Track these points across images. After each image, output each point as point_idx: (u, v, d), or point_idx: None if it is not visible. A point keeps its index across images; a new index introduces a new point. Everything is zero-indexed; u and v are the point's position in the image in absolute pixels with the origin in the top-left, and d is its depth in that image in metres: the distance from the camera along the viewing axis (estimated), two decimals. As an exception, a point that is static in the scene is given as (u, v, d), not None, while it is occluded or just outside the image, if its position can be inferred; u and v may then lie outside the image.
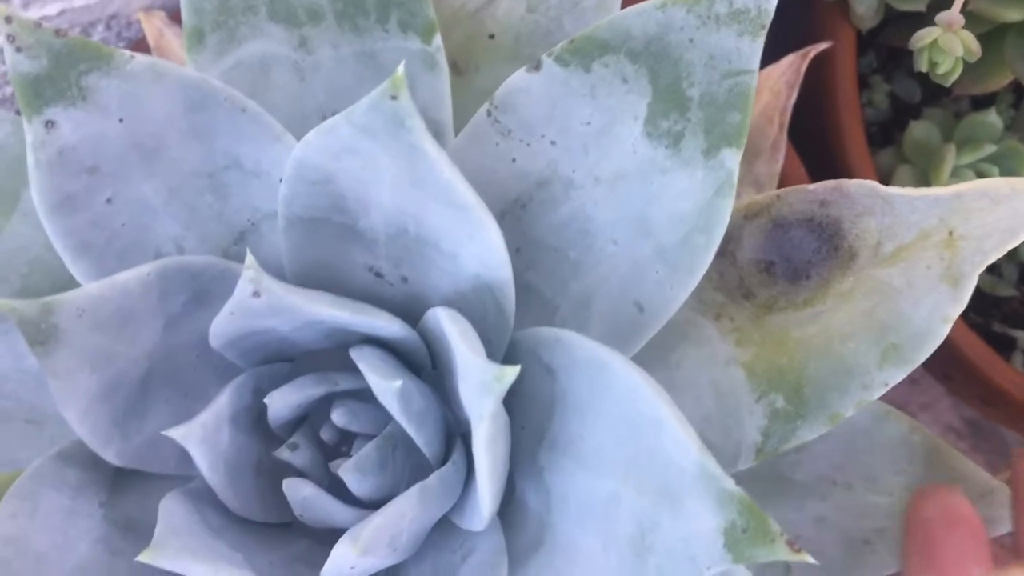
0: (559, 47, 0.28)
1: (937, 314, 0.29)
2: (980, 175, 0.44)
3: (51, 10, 0.42)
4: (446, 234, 0.28)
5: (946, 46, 0.32)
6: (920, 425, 0.38)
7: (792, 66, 0.44)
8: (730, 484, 0.23)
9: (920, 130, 0.46)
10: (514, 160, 0.30)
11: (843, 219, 0.30)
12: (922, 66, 0.33)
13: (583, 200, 0.30)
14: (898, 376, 0.30)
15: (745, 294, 0.32)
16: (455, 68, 0.37)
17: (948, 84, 0.33)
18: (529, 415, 0.31)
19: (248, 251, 0.25)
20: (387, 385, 0.27)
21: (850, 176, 0.45)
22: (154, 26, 0.44)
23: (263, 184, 0.30)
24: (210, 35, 0.32)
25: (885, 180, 0.46)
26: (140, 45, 0.45)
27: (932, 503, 0.31)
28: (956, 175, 0.44)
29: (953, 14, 0.32)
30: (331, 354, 0.32)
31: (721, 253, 0.32)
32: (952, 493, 0.31)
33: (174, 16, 0.45)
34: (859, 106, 0.44)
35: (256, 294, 0.25)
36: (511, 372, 0.23)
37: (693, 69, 0.26)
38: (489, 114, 0.30)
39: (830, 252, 0.31)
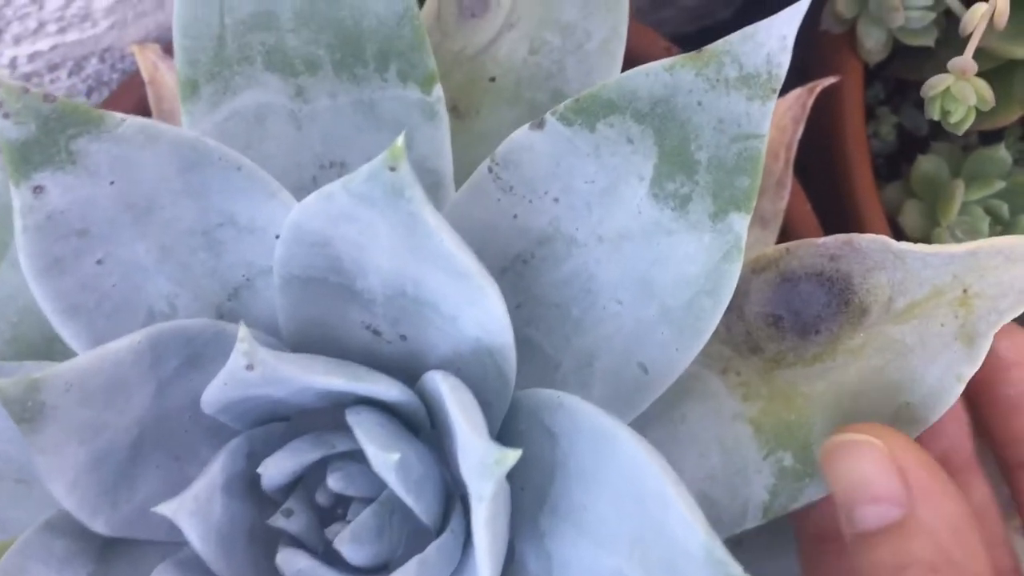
0: (563, 106, 0.27)
1: (951, 373, 0.28)
2: (989, 212, 0.44)
3: (43, 45, 0.42)
4: (445, 297, 0.28)
5: (959, 95, 0.31)
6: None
7: (798, 100, 0.43)
8: (738, 571, 0.22)
9: (928, 164, 0.45)
10: (515, 216, 0.30)
11: (853, 274, 0.29)
12: (934, 114, 0.32)
13: (586, 258, 0.29)
14: (911, 435, 0.29)
15: (752, 348, 0.31)
16: (455, 111, 0.36)
17: (960, 133, 0.32)
18: (530, 477, 0.30)
19: (242, 323, 0.24)
20: (385, 457, 0.26)
21: (857, 212, 0.44)
22: (148, 59, 0.43)
23: (258, 240, 0.30)
24: (205, 86, 0.31)
25: (892, 215, 0.45)
26: (134, 78, 0.44)
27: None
28: (965, 211, 0.43)
29: (966, 60, 0.32)
30: (328, 413, 0.31)
31: (728, 307, 0.31)
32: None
33: (168, 49, 0.44)
34: (866, 141, 0.43)
35: (250, 367, 0.25)
36: (512, 456, 0.22)
37: (701, 132, 0.25)
38: (490, 170, 0.29)
39: (840, 307, 0.30)
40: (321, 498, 0.30)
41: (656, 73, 0.25)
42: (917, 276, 0.28)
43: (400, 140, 0.23)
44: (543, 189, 0.29)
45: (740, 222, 0.26)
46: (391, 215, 0.24)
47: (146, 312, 0.30)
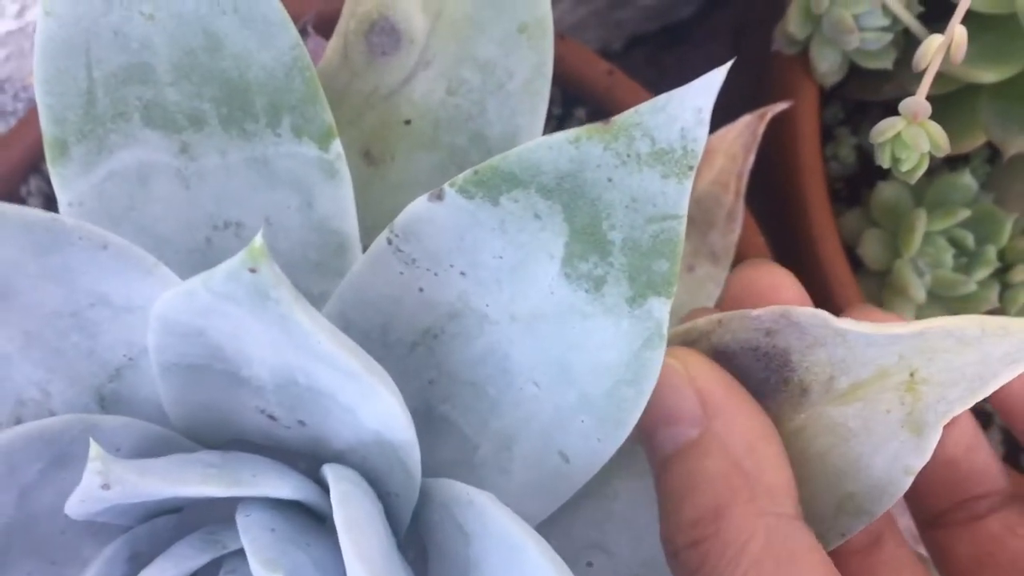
0: (461, 177, 0.24)
1: (898, 465, 0.25)
2: (954, 242, 0.41)
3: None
4: (340, 390, 0.25)
5: (911, 141, 0.28)
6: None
7: (749, 127, 0.40)
8: None
9: (888, 191, 0.42)
10: (421, 290, 0.27)
11: (792, 350, 0.26)
12: (884, 162, 0.29)
13: (499, 337, 0.26)
14: (856, 527, 0.27)
15: None
16: (368, 157, 0.33)
17: (913, 181, 0.29)
18: (446, 572, 0.27)
19: (92, 441, 0.21)
20: (266, 575, 0.23)
21: (813, 245, 0.41)
22: (50, 92, 0.40)
23: (137, 319, 0.27)
24: (75, 146, 0.28)
25: (851, 245, 0.43)
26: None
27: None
28: (928, 242, 0.41)
29: (918, 103, 0.29)
30: (223, 502, 0.28)
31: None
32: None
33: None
34: (822, 170, 0.41)
35: (106, 486, 0.22)
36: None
37: (613, 211, 0.23)
38: (390, 242, 0.26)
39: (779, 385, 0.27)
40: (214, 605, 0.27)
41: (561, 146, 0.22)
42: (861, 355, 0.25)
43: (258, 239, 0.20)
44: (448, 262, 0.26)
45: (660, 308, 0.23)
46: (261, 315, 0.22)
47: (15, 401, 0.27)
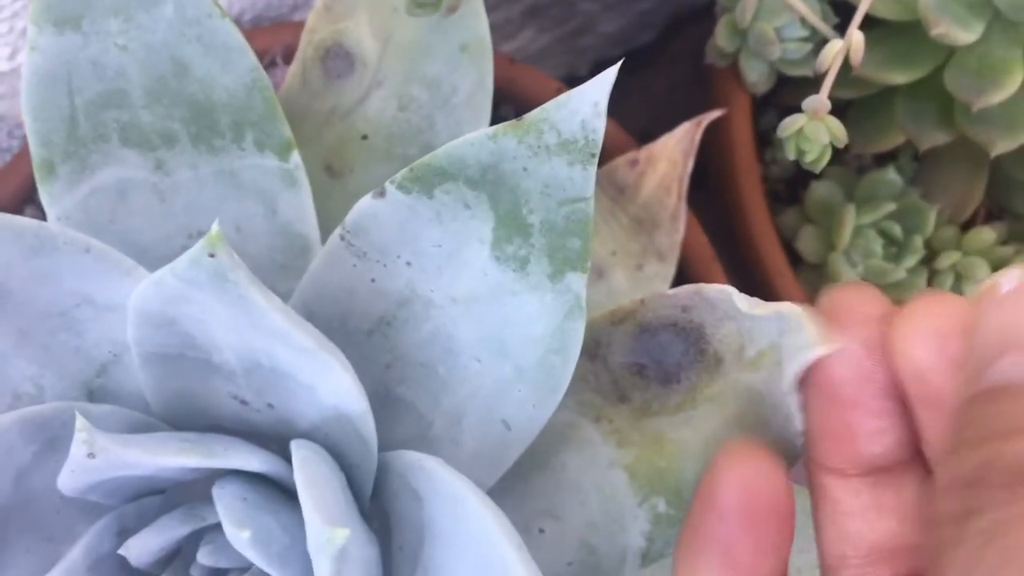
0: (400, 175, 0.27)
1: (791, 426, 0.28)
2: (883, 234, 0.44)
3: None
4: (300, 369, 0.28)
5: (812, 135, 0.31)
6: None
7: (687, 135, 0.43)
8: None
9: (821, 190, 0.45)
10: (373, 280, 0.30)
11: (706, 324, 0.29)
12: (790, 155, 0.32)
13: (443, 319, 0.30)
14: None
15: (620, 397, 0.32)
16: (330, 171, 0.37)
17: (817, 172, 0.32)
18: (405, 537, 0.30)
19: (78, 414, 0.24)
20: (237, 533, 0.26)
21: (752, 242, 0.44)
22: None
23: (119, 318, 0.30)
24: (61, 166, 0.31)
25: (790, 241, 0.46)
26: (29, 146, 0.44)
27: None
28: (859, 235, 0.44)
29: (820, 100, 0.32)
30: (203, 484, 0.31)
31: (594, 356, 0.31)
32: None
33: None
34: (758, 171, 0.44)
35: (91, 455, 0.25)
36: (341, 536, 0.23)
37: (531, 196, 0.26)
38: (342, 238, 0.29)
39: (697, 356, 0.30)
40: (195, 572, 0.30)
41: (481, 142, 0.25)
42: (761, 328, 0.28)
43: (215, 228, 0.23)
44: (395, 253, 0.29)
45: (578, 282, 0.26)
46: (223, 297, 0.25)
47: (11, 395, 0.30)
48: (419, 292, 0.29)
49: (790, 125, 0.32)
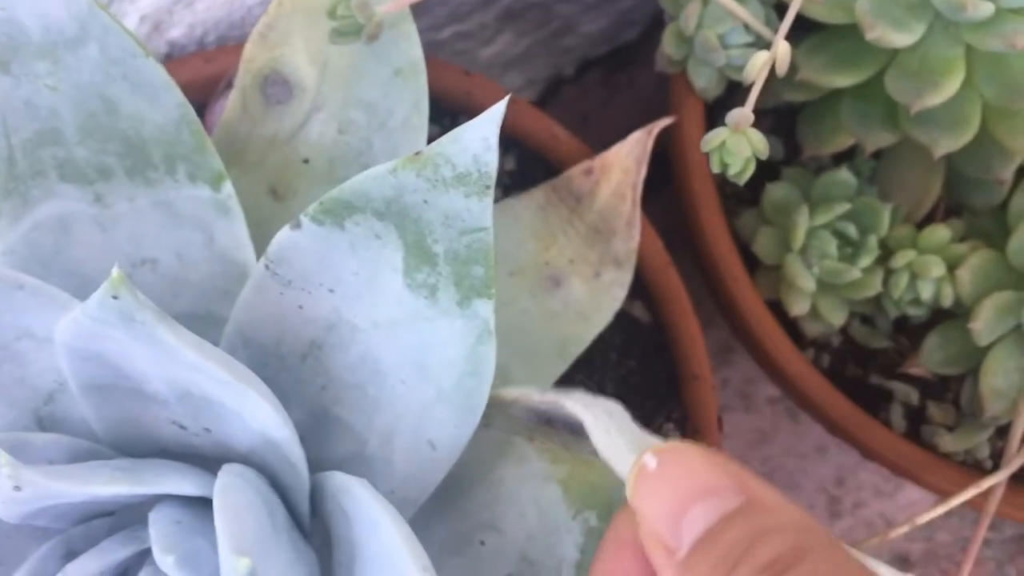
0: (312, 208, 0.28)
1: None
2: (837, 233, 0.44)
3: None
4: (225, 397, 0.29)
5: (734, 148, 0.32)
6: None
7: (639, 143, 0.44)
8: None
9: (777, 192, 0.46)
10: (301, 307, 0.31)
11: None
12: (714, 168, 0.33)
13: (368, 343, 0.30)
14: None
15: (542, 435, 0.32)
16: (275, 195, 0.37)
17: (742, 183, 0.33)
18: (343, 555, 0.31)
19: (1, 450, 0.25)
20: (163, 558, 0.27)
21: (707, 246, 0.45)
22: None
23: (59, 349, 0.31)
24: (2, 202, 0.32)
25: (747, 243, 0.46)
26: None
27: None
28: (813, 235, 0.44)
29: (744, 113, 0.32)
30: (150, 505, 0.32)
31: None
32: None
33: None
34: (711, 178, 0.44)
35: (17, 488, 0.26)
36: (244, 565, 0.24)
37: (434, 227, 0.27)
38: (267, 267, 0.30)
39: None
40: (140, 593, 0.31)
41: (382, 176, 0.26)
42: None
43: (115, 271, 0.24)
44: (317, 281, 0.30)
45: (485, 307, 0.27)
46: (134, 335, 0.26)
47: (-41, 426, 0.31)
48: (344, 317, 0.30)
49: (713, 139, 0.32)
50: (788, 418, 0.64)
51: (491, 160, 0.25)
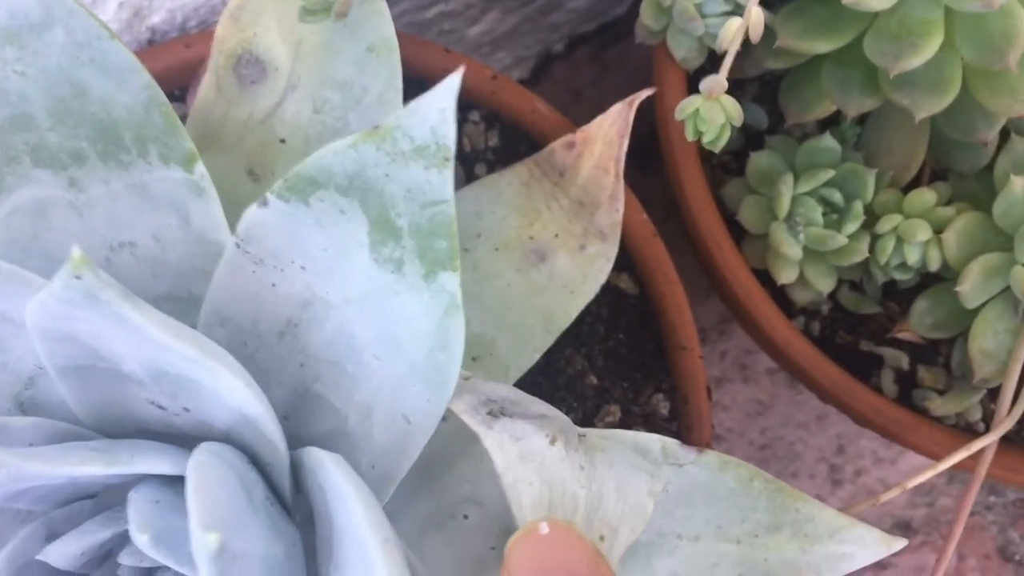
0: (277, 185, 0.28)
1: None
2: (823, 201, 0.44)
3: None
4: (200, 376, 0.29)
5: (708, 116, 0.32)
6: (759, 471, 0.38)
7: (620, 115, 0.44)
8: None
9: (762, 160, 0.45)
10: (274, 285, 0.31)
11: None
12: (689, 135, 0.33)
13: (342, 319, 0.30)
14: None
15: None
16: (253, 175, 0.38)
17: (717, 151, 0.33)
18: (322, 532, 0.31)
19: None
20: (139, 537, 0.27)
21: (692, 216, 0.45)
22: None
23: (37, 333, 0.31)
24: (-23, 190, 0.32)
25: (733, 211, 0.46)
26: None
27: None
28: (799, 203, 0.44)
29: (718, 80, 0.32)
30: (130, 487, 0.32)
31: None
32: None
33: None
34: (696, 147, 0.44)
35: (-8, 470, 0.26)
36: (212, 540, 0.24)
37: (396, 201, 0.27)
38: (238, 246, 0.30)
39: None
40: (122, 573, 0.31)
41: (343, 151, 0.26)
42: None
43: (76, 251, 0.24)
44: (288, 259, 0.30)
45: (451, 280, 0.27)
46: (101, 315, 0.26)
47: (-58, 410, 0.32)
48: (318, 293, 0.30)
49: (687, 107, 0.32)
50: (787, 388, 0.64)
51: (448, 132, 0.25)
